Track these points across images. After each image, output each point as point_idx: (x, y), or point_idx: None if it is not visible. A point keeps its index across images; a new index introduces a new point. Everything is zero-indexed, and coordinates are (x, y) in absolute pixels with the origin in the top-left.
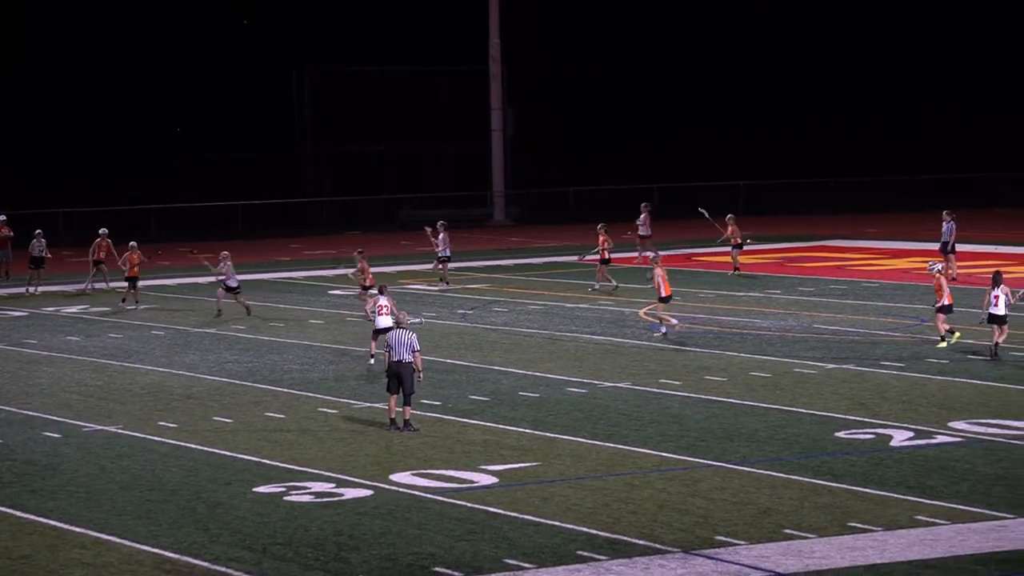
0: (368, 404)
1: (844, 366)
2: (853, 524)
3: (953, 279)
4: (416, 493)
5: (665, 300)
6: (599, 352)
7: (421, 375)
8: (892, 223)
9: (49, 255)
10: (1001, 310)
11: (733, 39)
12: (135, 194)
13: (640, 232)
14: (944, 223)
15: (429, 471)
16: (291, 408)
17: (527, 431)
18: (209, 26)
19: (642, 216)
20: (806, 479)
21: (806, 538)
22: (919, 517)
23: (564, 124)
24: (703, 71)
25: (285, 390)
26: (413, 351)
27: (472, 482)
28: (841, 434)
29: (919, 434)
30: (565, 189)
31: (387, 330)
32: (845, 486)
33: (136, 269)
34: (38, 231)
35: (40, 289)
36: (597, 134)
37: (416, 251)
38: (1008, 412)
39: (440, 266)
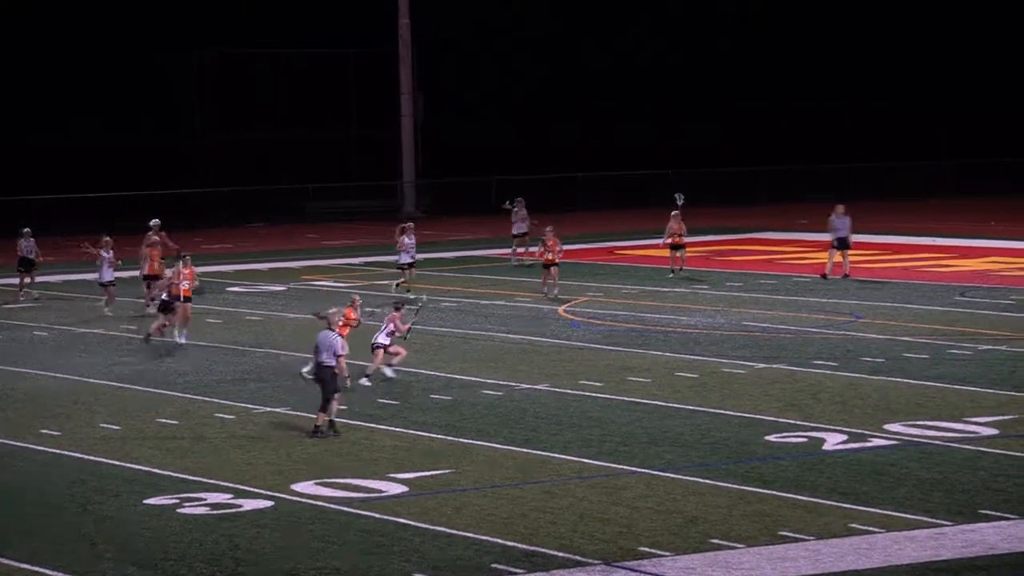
0: (268, 409)
1: (775, 366)
2: (784, 533)
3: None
4: (320, 504)
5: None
6: (516, 352)
7: (348, 380)
8: (825, 214)
9: (40, 258)
10: None
11: (661, 23)
12: (14, 184)
13: (514, 230)
14: (837, 218)
15: (334, 480)
16: (185, 414)
17: (439, 436)
18: (99, 6)
19: (516, 210)
20: (734, 486)
21: (734, 548)
22: (853, 525)
23: (479, 110)
24: (628, 56)
25: (179, 394)
26: (336, 354)
27: (380, 491)
28: (772, 438)
29: (853, 437)
30: (479, 179)
31: (384, 346)
32: (776, 493)
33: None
34: (27, 229)
35: (23, 296)
36: (514, 120)
37: (321, 245)
38: (946, 413)
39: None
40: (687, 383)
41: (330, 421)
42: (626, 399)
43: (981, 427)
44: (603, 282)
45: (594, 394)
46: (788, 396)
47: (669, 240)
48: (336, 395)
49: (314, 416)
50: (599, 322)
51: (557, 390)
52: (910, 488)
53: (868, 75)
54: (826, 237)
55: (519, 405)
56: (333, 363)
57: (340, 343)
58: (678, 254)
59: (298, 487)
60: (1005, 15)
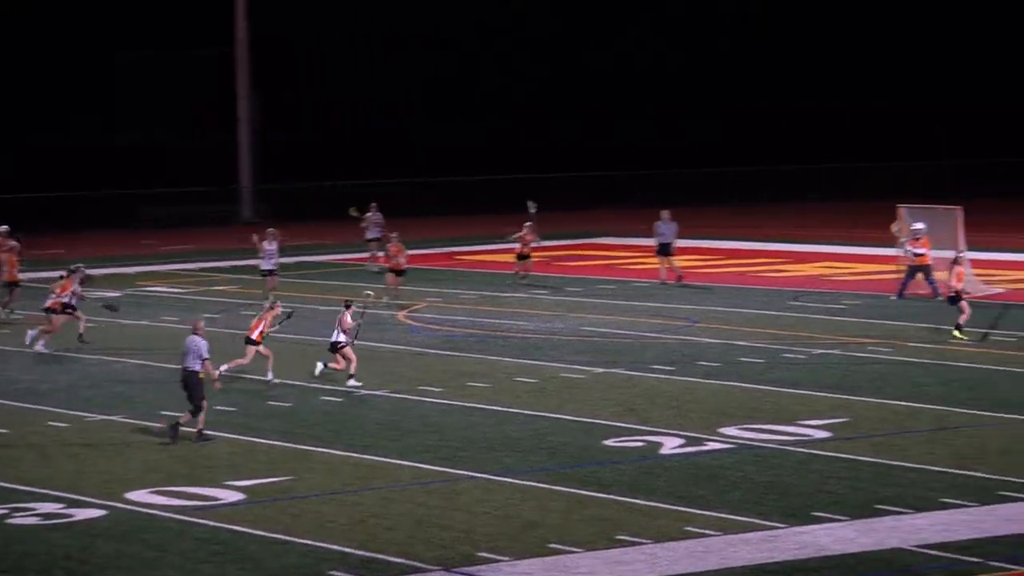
0: (103, 416)
1: (613, 370)
2: (622, 537)
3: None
4: (155, 512)
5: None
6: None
7: (217, 384)
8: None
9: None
10: None
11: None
12: None
13: (368, 235)
14: (662, 223)
15: (169, 488)
16: (16, 422)
17: (277, 443)
18: None
19: (370, 215)
20: (573, 490)
21: (572, 552)
22: (689, 528)
23: (319, 113)
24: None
25: (10, 403)
26: (202, 359)
27: (216, 499)
28: (609, 442)
29: (689, 441)
30: (318, 183)
31: (335, 345)
32: (613, 497)
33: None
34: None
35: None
36: (359, 123)
37: (159, 251)
38: (780, 417)
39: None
40: (526, 388)
41: (200, 431)
42: (465, 404)
43: (814, 430)
44: (443, 287)
45: (433, 399)
46: (626, 400)
47: (518, 249)
48: (199, 405)
49: (152, 423)
50: (438, 327)
51: (396, 395)
52: (745, 491)
53: (830, 75)
54: (653, 242)
55: (358, 411)
56: (199, 367)
57: (206, 347)
58: (526, 263)
59: (132, 495)
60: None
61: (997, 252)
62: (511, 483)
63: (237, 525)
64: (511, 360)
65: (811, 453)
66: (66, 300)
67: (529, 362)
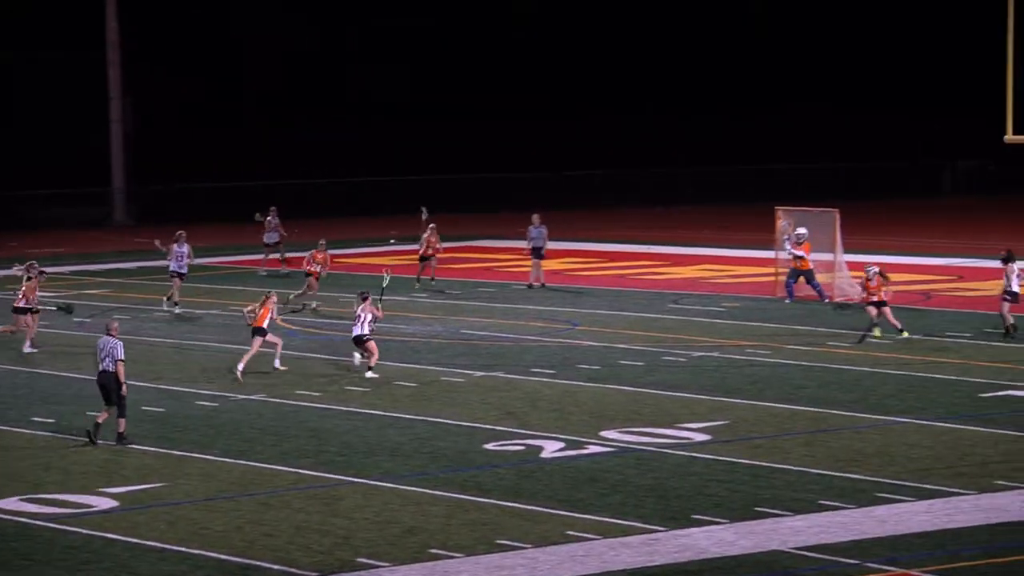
0: None
1: (493, 374)
2: (502, 541)
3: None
4: (24, 520)
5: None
6: (231, 362)
7: (124, 387)
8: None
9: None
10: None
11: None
12: None
13: (265, 239)
14: (533, 227)
15: (40, 496)
16: None
17: (151, 449)
18: None
19: (268, 219)
20: (453, 495)
21: (453, 557)
22: (570, 532)
23: (190, 115)
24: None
25: None
26: (116, 360)
27: (89, 506)
28: (490, 446)
29: (570, 444)
30: (191, 186)
31: (360, 338)
32: (494, 501)
33: None
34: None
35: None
36: (231, 125)
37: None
38: (661, 420)
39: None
40: (406, 392)
41: (119, 434)
42: (344, 409)
43: (694, 433)
44: (321, 290)
45: (312, 404)
46: (506, 404)
47: (421, 251)
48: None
49: (22, 429)
50: (317, 331)
51: (274, 400)
52: (625, 494)
53: (705, 78)
54: (526, 245)
55: (234, 416)
56: (115, 369)
57: (121, 348)
58: (429, 264)
59: (2, 503)
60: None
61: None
62: (391, 488)
63: (110, 533)
64: (391, 364)
65: (691, 456)
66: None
67: (408, 366)
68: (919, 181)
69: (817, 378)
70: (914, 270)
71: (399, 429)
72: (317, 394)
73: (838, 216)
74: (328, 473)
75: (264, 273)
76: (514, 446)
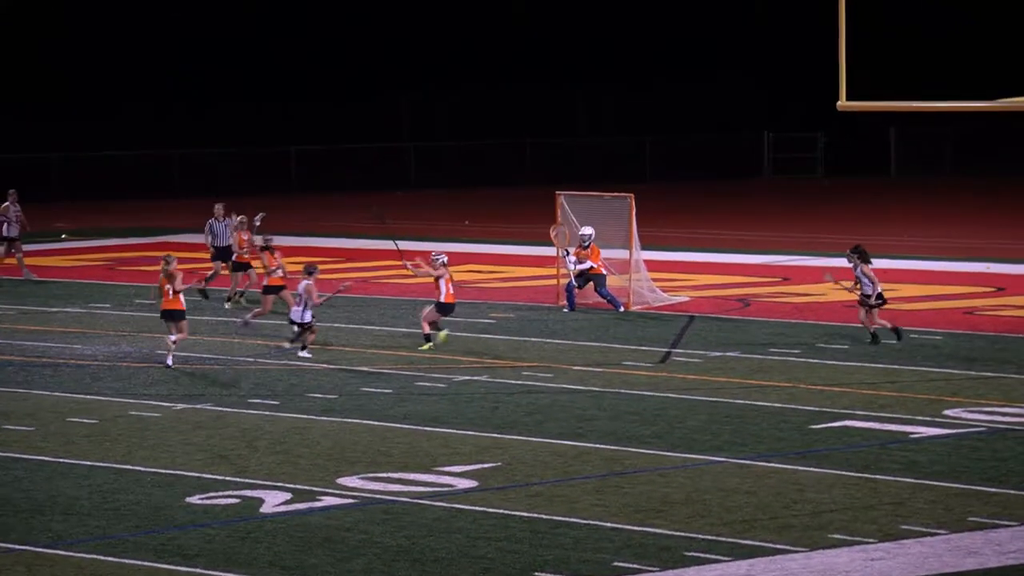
0: None
1: (198, 405)
2: None
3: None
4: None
5: None
6: None
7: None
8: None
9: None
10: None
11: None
12: None
13: (5, 232)
14: (218, 221)
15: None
16: None
17: None
18: None
19: (8, 204)
20: (146, 563)
21: None
22: None
23: None
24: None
25: None
26: None
27: None
28: (195, 499)
29: (299, 496)
30: None
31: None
32: (200, 571)
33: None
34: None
35: None
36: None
37: None
38: (415, 463)
39: None
40: (83, 431)
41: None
42: (0, 455)
43: (457, 479)
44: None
45: None
46: (216, 445)
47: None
48: None
49: None
50: None
51: None
52: (370, 558)
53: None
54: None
55: None
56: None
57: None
58: (247, 274)
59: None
60: None
61: (680, 252)
62: (65, 557)
63: None
64: (62, 395)
65: (453, 508)
66: None
67: (87, 397)
68: (735, 158)
69: (611, 407)
70: (729, 270)
71: (74, 479)
72: None
73: (633, 203)
74: None
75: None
76: (226, 499)
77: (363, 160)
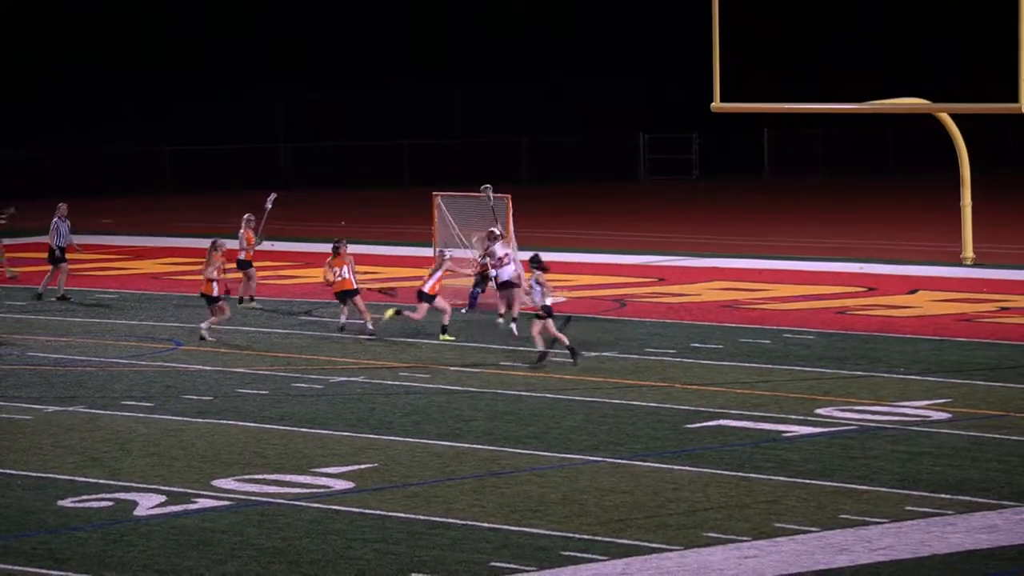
0: None
1: (71, 408)
2: None
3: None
4: None
5: None
6: None
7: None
8: (135, 210)
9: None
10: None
11: None
12: None
13: None
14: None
15: None
16: None
17: None
18: None
19: None
20: (17, 567)
21: None
22: None
23: None
24: None
25: None
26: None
27: None
28: (67, 502)
29: (173, 498)
30: None
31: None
32: (71, 574)
33: None
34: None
35: None
36: None
37: None
38: (291, 464)
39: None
40: None
41: None
42: None
43: (333, 480)
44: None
45: None
46: (88, 448)
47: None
48: None
49: None
50: None
51: None
52: (246, 560)
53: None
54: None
55: None
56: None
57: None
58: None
59: None
60: None
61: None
62: None
63: None
64: None
65: (330, 509)
66: None
67: None
68: (612, 159)
69: (487, 407)
70: (605, 270)
71: None
72: None
73: (510, 204)
74: None
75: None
76: (99, 502)
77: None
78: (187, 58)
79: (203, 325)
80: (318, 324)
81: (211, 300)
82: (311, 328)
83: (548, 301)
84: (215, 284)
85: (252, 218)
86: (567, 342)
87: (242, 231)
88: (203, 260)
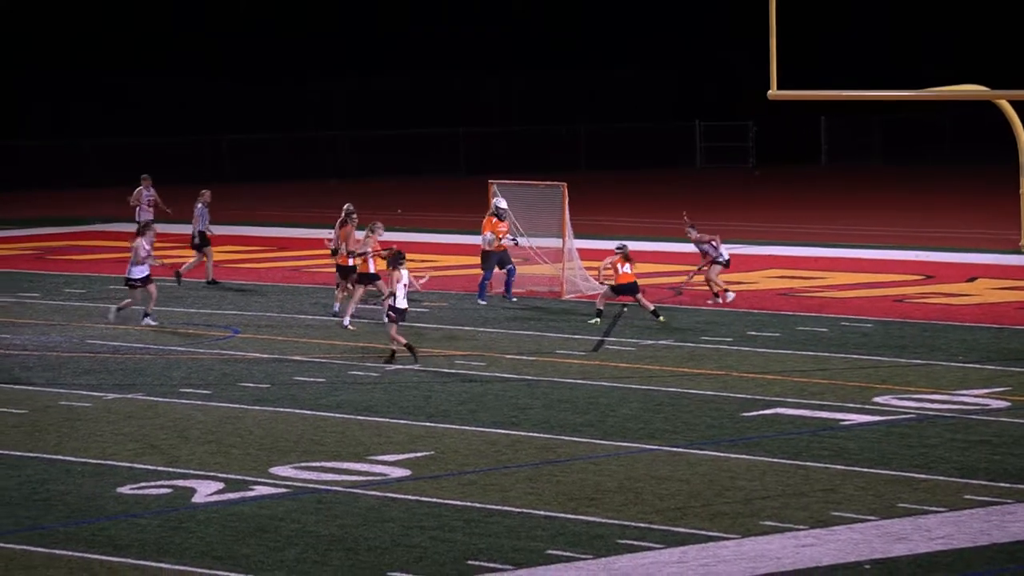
0: None
1: (130, 396)
2: None
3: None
4: None
5: None
6: None
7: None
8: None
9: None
10: None
11: None
12: None
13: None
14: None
15: None
16: None
17: None
18: None
19: None
20: (77, 554)
21: None
22: None
23: None
24: None
25: None
26: None
27: None
28: (126, 489)
29: (231, 485)
30: None
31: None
32: (131, 561)
33: None
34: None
35: None
36: None
37: None
38: (348, 452)
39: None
40: (12, 421)
41: None
42: None
43: (390, 468)
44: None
45: None
46: (147, 435)
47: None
48: None
49: None
50: None
51: None
52: (303, 548)
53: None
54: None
55: None
56: None
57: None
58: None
59: None
60: None
61: (612, 240)
62: None
63: None
64: None
65: (387, 497)
66: None
67: (16, 388)
68: (667, 147)
69: (544, 396)
70: (661, 258)
71: (3, 471)
72: None
73: (566, 191)
74: None
75: None
76: (158, 489)
77: (294, 148)
78: (247, 47)
79: (346, 312)
80: (374, 312)
81: (366, 278)
82: (366, 315)
83: (402, 303)
84: (371, 261)
85: (354, 212)
86: (404, 341)
87: (338, 230)
88: (259, 248)
